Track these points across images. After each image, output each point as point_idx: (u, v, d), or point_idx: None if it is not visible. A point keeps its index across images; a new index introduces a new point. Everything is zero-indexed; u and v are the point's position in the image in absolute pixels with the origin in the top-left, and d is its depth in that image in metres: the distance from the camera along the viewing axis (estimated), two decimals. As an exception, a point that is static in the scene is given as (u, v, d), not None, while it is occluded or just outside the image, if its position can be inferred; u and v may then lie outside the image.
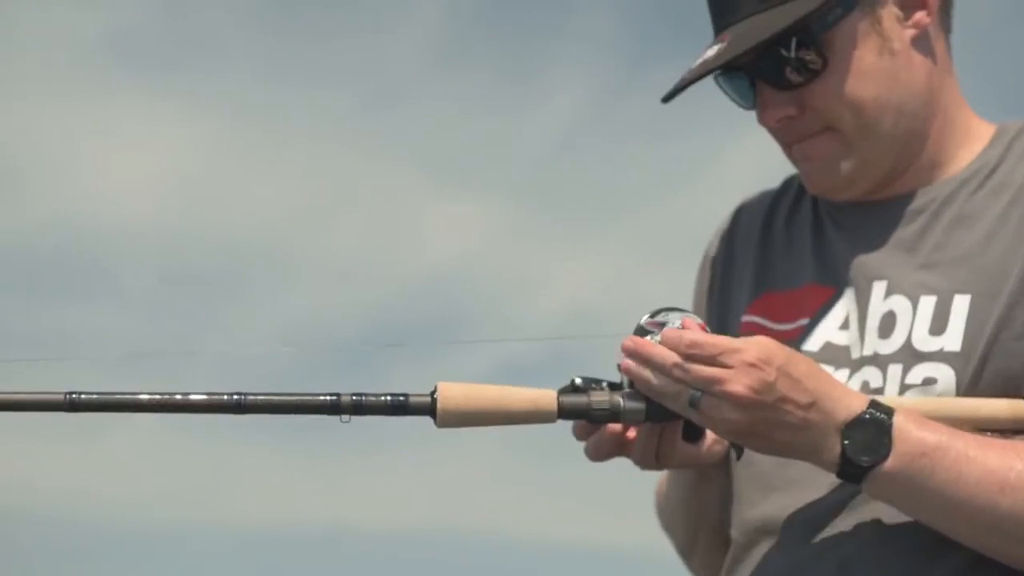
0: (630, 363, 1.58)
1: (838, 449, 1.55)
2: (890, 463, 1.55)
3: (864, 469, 1.55)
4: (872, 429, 1.55)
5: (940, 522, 1.59)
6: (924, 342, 1.68)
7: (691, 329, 1.59)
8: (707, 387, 1.54)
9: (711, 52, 1.74)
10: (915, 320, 1.70)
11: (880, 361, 1.70)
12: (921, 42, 1.76)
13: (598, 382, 1.61)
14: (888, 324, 1.71)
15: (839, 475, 1.57)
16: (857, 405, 1.56)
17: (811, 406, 1.55)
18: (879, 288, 1.73)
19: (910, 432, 1.56)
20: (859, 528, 1.67)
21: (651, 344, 1.57)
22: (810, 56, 1.71)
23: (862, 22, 1.72)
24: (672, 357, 1.55)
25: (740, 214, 1.92)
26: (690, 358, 1.55)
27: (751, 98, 1.77)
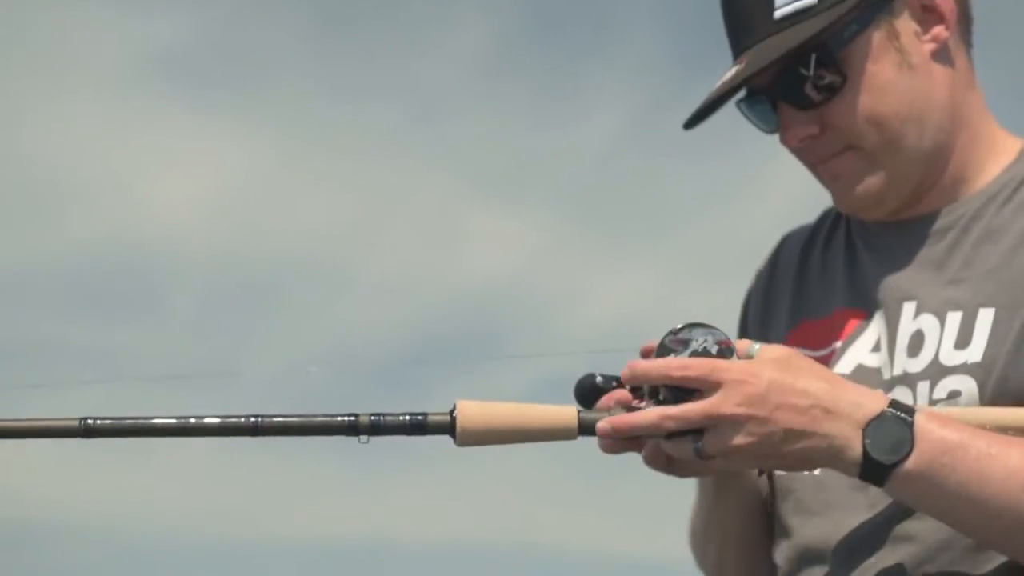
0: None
1: (860, 449, 1.53)
2: (912, 461, 1.53)
3: (887, 468, 1.53)
4: (894, 427, 1.53)
5: (962, 521, 1.57)
6: (949, 356, 1.68)
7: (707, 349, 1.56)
8: (700, 421, 1.53)
9: (728, 75, 1.75)
10: (943, 336, 1.69)
11: (910, 380, 1.69)
12: (941, 56, 1.75)
13: (621, 385, 1.60)
14: (917, 343, 1.71)
15: (861, 476, 1.55)
16: (877, 404, 1.55)
17: (815, 407, 1.53)
18: (909, 308, 1.73)
19: (932, 431, 1.54)
20: (899, 549, 1.66)
21: (630, 417, 1.56)
22: (828, 73, 1.71)
23: (879, 38, 1.72)
24: (655, 417, 1.54)
25: (781, 247, 1.93)
26: (676, 390, 1.54)
27: (773, 121, 1.77)
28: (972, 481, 1.53)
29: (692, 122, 1.79)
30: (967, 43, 1.80)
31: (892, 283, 1.75)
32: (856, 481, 1.65)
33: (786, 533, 1.78)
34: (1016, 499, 1.54)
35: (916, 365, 1.70)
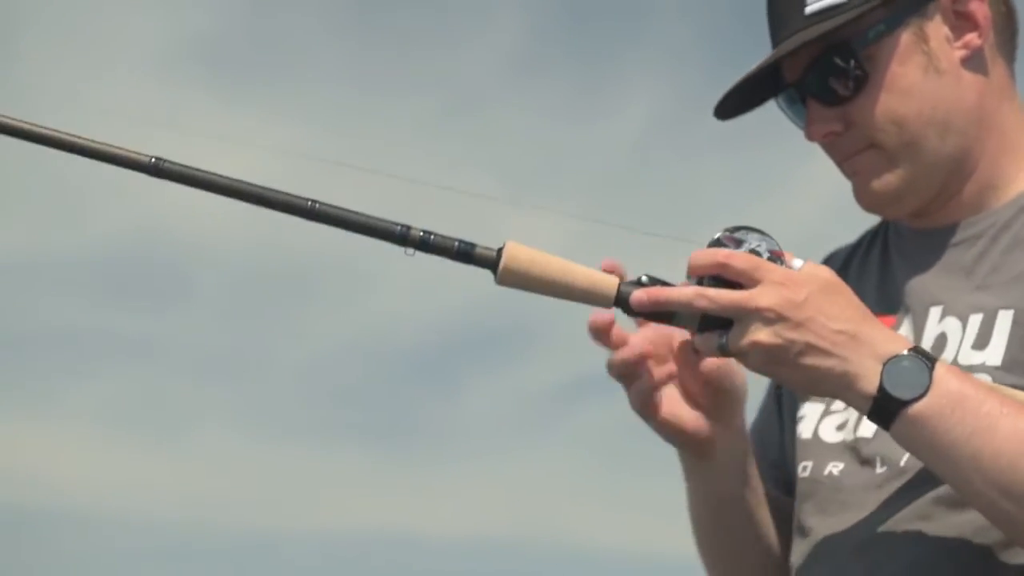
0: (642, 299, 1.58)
1: (876, 382, 1.53)
2: (925, 402, 1.53)
3: (899, 405, 1.53)
4: (913, 367, 1.54)
5: (960, 475, 1.55)
6: (967, 356, 1.70)
7: (762, 253, 1.59)
8: (732, 309, 1.55)
9: (754, 66, 1.80)
10: (963, 338, 1.71)
11: None
12: (973, 63, 1.78)
13: (665, 284, 1.61)
14: (939, 345, 1.73)
15: (871, 412, 1.55)
16: (901, 345, 1.56)
17: (843, 332, 1.54)
18: (935, 312, 1.75)
19: (950, 379, 1.54)
20: (912, 549, 1.66)
21: (667, 289, 1.58)
22: (852, 70, 1.75)
23: (908, 40, 1.76)
24: (691, 292, 1.56)
25: (826, 263, 1.95)
26: (719, 277, 1.56)
27: (804, 116, 1.81)
28: (979, 433, 1.52)
29: (721, 112, 1.83)
30: (1007, 53, 1.83)
31: (921, 288, 1.78)
32: (872, 481, 1.71)
33: (803, 533, 1.79)
34: (1018, 461, 1.52)
35: None
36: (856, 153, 1.79)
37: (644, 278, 1.61)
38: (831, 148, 1.82)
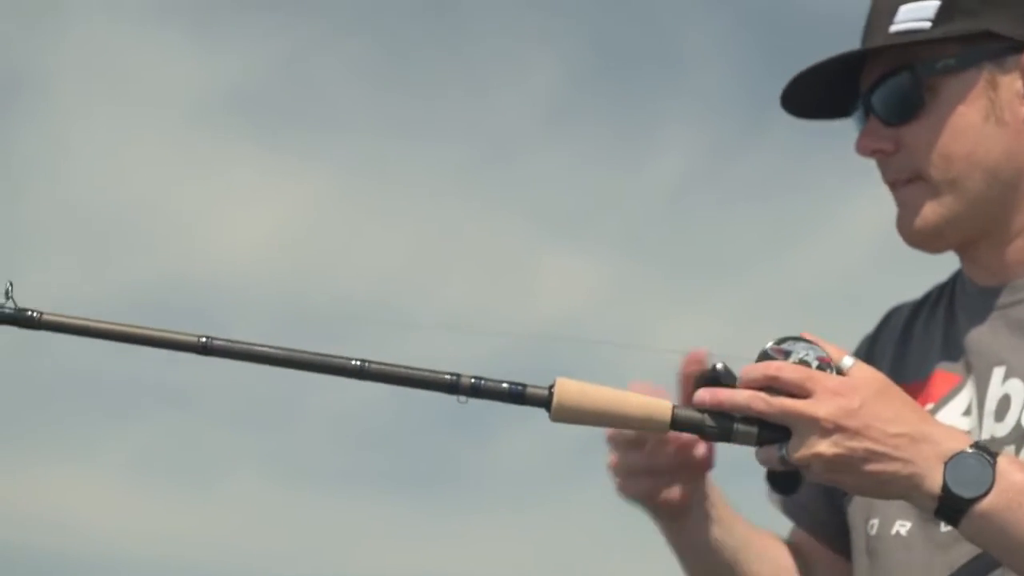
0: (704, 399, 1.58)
1: (940, 481, 1.53)
2: (991, 499, 1.52)
3: (965, 504, 1.53)
4: (976, 464, 1.53)
5: None
6: None
7: (808, 362, 1.57)
8: (789, 417, 1.54)
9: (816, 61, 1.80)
10: None
11: (996, 444, 1.68)
12: None
13: (731, 378, 1.60)
14: (1003, 408, 1.71)
15: (937, 511, 1.54)
16: (961, 442, 1.55)
17: (903, 435, 1.54)
18: (999, 373, 1.74)
19: (1013, 472, 1.54)
20: None
21: (727, 391, 1.57)
22: (911, 94, 1.75)
23: (976, 82, 1.75)
24: (749, 394, 1.56)
25: (888, 318, 1.95)
26: (771, 390, 1.55)
27: None
28: None
29: (795, 104, 1.84)
30: None
31: (985, 347, 1.77)
32: (939, 542, 1.70)
33: None
34: None
35: (1002, 429, 1.71)
36: (903, 182, 1.79)
37: (719, 365, 1.60)
38: (881, 167, 1.82)
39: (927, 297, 1.92)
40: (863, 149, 1.80)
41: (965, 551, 1.69)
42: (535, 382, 1.57)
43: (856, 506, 1.85)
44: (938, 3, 1.75)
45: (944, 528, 1.70)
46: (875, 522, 1.80)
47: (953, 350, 1.80)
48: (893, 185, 1.80)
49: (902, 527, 1.76)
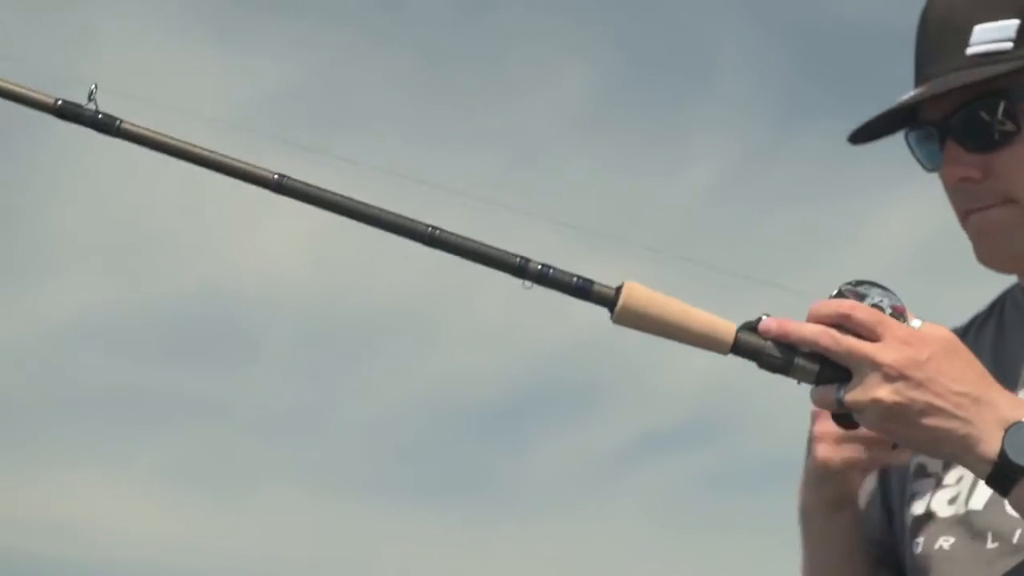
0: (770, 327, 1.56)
1: (997, 447, 1.50)
2: None
3: (1020, 471, 1.50)
4: None
5: None
6: None
7: (884, 307, 1.55)
8: (855, 357, 1.51)
9: (907, 96, 1.74)
10: None
11: None
12: None
13: None
14: None
15: (990, 477, 1.52)
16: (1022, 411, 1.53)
17: (966, 395, 1.51)
18: None
19: None
20: None
21: (795, 322, 1.55)
22: (1006, 120, 1.70)
23: None
24: (817, 328, 1.53)
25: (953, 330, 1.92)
26: (842, 328, 1.52)
27: (937, 159, 1.76)
28: None
29: (859, 136, 1.79)
30: None
31: None
32: (983, 557, 1.68)
33: None
34: None
35: None
36: (989, 206, 1.74)
37: (764, 316, 1.57)
38: (962, 195, 1.76)
39: (974, 320, 1.90)
40: (951, 179, 1.74)
41: (1008, 564, 1.66)
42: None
43: (903, 524, 1.83)
44: (1018, 22, 1.70)
45: (991, 544, 1.68)
46: (920, 540, 1.78)
47: (1001, 363, 1.78)
48: (975, 209, 1.75)
49: (945, 542, 1.74)
